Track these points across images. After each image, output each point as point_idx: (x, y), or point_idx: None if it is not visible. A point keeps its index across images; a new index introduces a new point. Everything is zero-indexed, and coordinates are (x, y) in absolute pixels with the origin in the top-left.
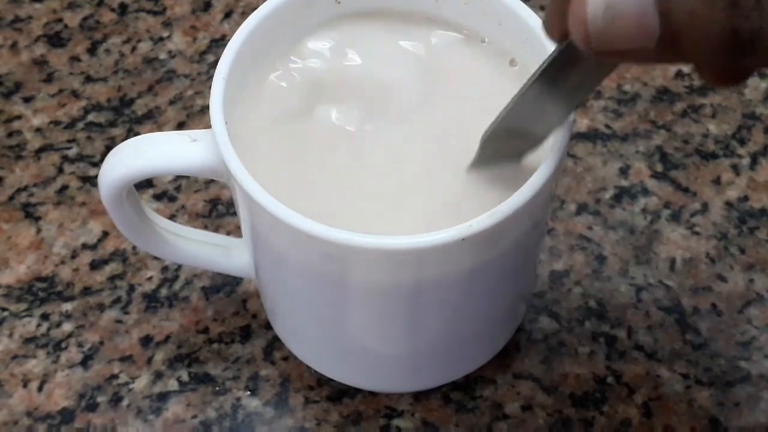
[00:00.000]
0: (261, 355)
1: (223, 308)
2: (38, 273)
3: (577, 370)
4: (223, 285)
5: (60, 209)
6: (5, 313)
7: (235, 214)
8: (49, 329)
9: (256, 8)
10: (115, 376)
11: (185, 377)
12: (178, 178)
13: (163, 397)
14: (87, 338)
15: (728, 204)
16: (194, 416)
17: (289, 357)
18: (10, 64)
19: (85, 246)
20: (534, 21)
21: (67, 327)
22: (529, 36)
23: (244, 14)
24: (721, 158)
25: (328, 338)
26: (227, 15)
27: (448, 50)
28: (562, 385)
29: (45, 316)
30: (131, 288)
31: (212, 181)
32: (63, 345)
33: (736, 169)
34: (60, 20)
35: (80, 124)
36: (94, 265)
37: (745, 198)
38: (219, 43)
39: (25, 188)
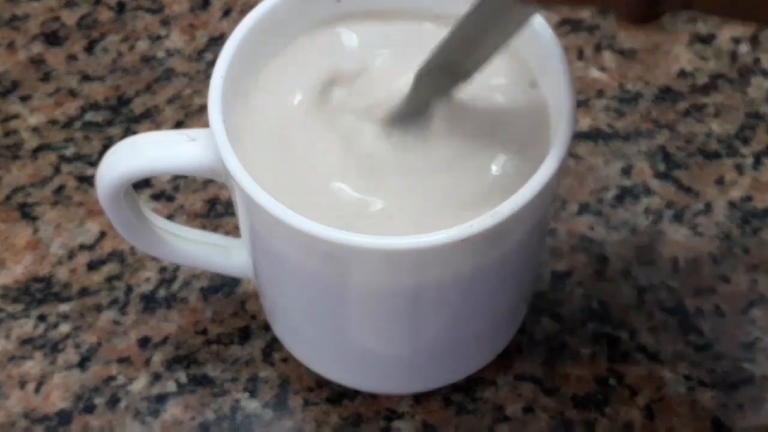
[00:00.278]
0: (260, 357)
1: (222, 309)
2: (35, 273)
3: (578, 372)
4: (222, 286)
5: (57, 209)
6: (2, 314)
7: (233, 213)
8: (46, 330)
9: (254, 6)
10: (112, 378)
11: (183, 379)
12: (176, 177)
13: (162, 398)
14: (84, 339)
15: (731, 204)
16: (193, 418)
17: (288, 358)
18: (7, 63)
19: (82, 246)
20: (537, 20)
21: (65, 328)
22: (532, 33)
23: (243, 12)
24: (725, 158)
25: (327, 339)
26: (226, 13)
27: None
28: (564, 387)
29: (42, 317)
30: (129, 289)
31: (211, 180)
32: (60, 346)
33: (739, 169)
34: (57, 19)
35: (77, 124)
36: (92, 266)
37: (749, 198)
38: (217, 41)
39: (21, 188)
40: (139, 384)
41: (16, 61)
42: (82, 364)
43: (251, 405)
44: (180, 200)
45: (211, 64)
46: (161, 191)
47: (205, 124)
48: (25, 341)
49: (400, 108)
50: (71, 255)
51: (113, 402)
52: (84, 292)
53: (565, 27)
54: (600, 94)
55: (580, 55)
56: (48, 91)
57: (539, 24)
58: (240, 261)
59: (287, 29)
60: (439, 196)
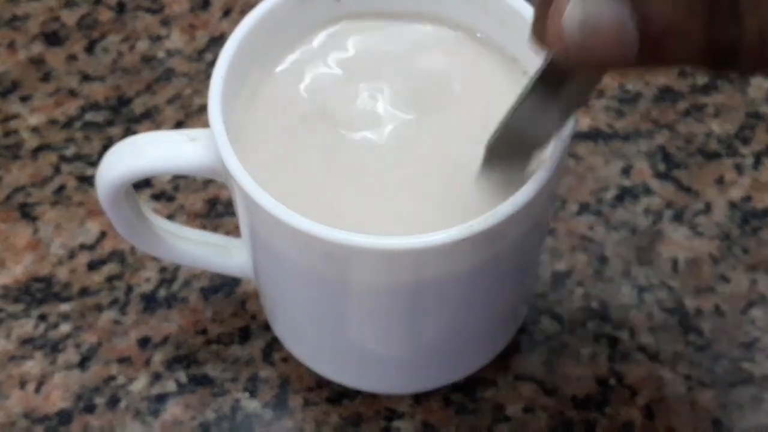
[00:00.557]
0: (260, 357)
1: (222, 309)
2: (35, 273)
3: (578, 372)
4: (222, 286)
5: (57, 209)
6: (2, 314)
7: (233, 213)
8: (46, 330)
9: (254, 6)
10: (112, 378)
11: (184, 378)
12: (176, 177)
13: (162, 398)
14: (85, 339)
15: (731, 204)
16: (193, 418)
17: (288, 358)
18: (7, 63)
19: (82, 246)
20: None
21: (65, 328)
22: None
23: (243, 12)
24: (724, 158)
25: (327, 339)
26: (226, 13)
27: (450, 50)
28: (564, 387)
29: (42, 317)
30: (129, 289)
31: (211, 180)
32: (60, 346)
33: (739, 169)
34: (57, 19)
35: (78, 124)
36: (92, 266)
37: (748, 198)
38: (218, 41)
39: (22, 188)
40: (140, 384)
41: (17, 61)
42: (83, 363)
43: (251, 405)
44: (180, 200)
45: (212, 64)
46: (161, 191)
47: (206, 124)
48: (26, 341)
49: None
50: (71, 255)
51: (113, 402)
52: (84, 292)
53: None
54: (600, 94)
55: None
56: (48, 91)
57: None
58: (240, 261)
59: (287, 29)
60: (439, 196)
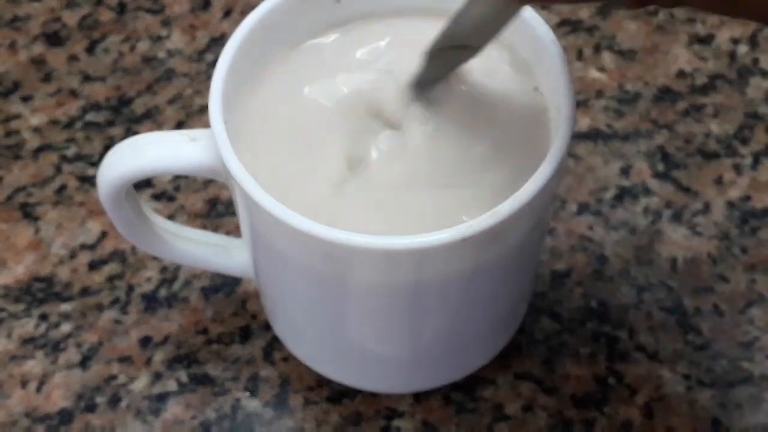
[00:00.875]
0: (260, 356)
1: (223, 309)
2: (36, 273)
3: (578, 371)
4: (223, 285)
5: (58, 209)
6: (3, 314)
7: (234, 213)
8: (47, 330)
9: (255, 7)
10: (113, 377)
11: (184, 378)
12: (177, 177)
13: (162, 397)
14: (86, 339)
15: (730, 204)
16: (193, 417)
17: (288, 358)
18: (8, 64)
19: (83, 246)
20: (537, 22)
21: (66, 327)
22: (532, 34)
23: (244, 13)
24: (723, 158)
25: (328, 338)
26: (227, 14)
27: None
28: (563, 386)
29: (43, 317)
30: (130, 288)
31: (211, 180)
32: (61, 345)
33: (738, 169)
34: (58, 19)
35: (79, 124)
36: (93, 266)
37: (747, 198)
38: (218, 42)
39: (23, 188)
40: (140, 383)
41: (18, 61)
42: (84, 363)
43: (252, 404)
44: (181, 200)
45: (212, 64)
46: (162, 191)
47: (206, 125)
48: (27, 341)
49: (411, 85)
50: (72, 255)
51: (114, 401)
52: (85, 291)
53: (565, 27)
54: (599, 94)
55: (580, 55)
56: (49, 91)
57: (538, 24)
58: (240, 261)
59: (288, 30)
60: (439, 196)
